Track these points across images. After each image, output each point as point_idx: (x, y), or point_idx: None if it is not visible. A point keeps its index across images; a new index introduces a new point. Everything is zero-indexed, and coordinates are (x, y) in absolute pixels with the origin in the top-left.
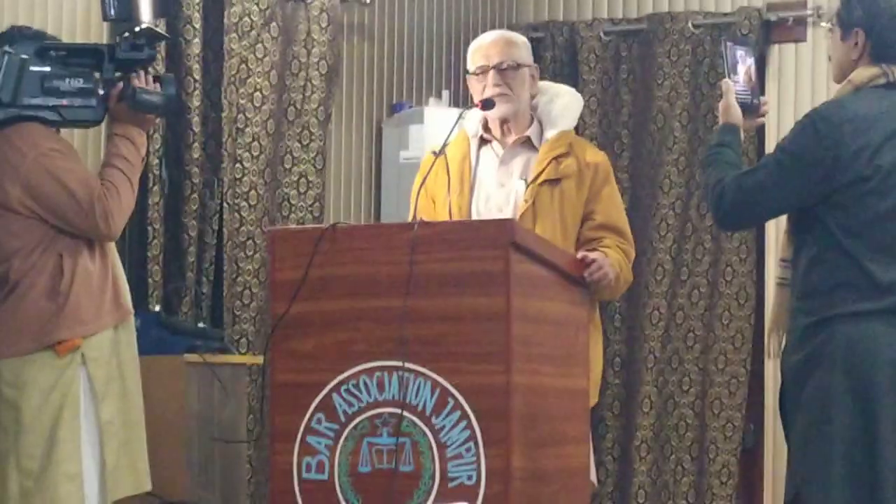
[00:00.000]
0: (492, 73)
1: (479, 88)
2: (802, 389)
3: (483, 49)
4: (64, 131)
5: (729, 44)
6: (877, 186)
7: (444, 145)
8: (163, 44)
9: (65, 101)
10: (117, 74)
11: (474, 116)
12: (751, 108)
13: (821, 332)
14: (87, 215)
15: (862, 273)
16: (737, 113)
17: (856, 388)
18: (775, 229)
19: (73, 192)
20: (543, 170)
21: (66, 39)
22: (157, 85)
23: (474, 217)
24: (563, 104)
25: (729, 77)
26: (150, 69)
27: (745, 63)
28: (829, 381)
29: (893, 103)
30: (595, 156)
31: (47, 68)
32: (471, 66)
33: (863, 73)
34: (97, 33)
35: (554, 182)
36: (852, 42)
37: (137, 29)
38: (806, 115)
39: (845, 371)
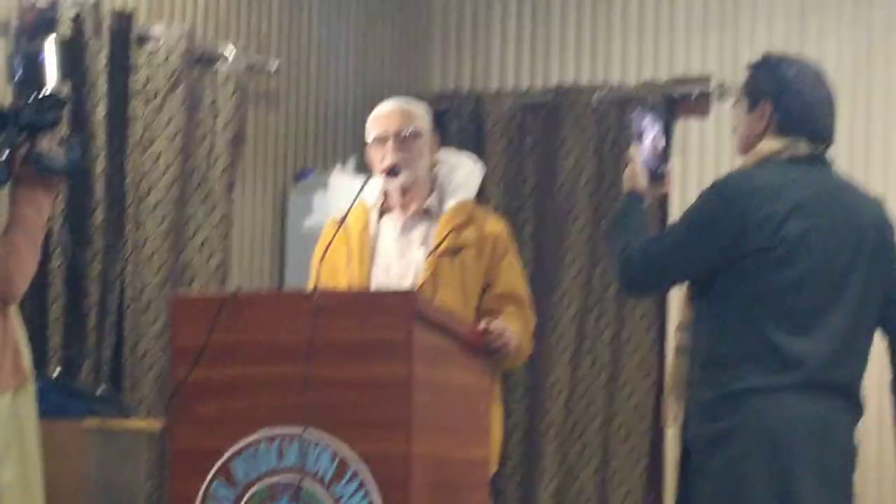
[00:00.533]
0: (390, 141)
1: (378, 157)
2: (710, 461)
3: (381, 118)
4: None
5: (637, 112)
6: (782, 256)
7: (346, 214)
8: (68, 107)
9: None
10: (22, 137)
11: (373, 187)
12: (656, 176)
13: (730, 406)
14: None
15: (769, 345)
16: (642, 180)
17: (771, 464)
18: (677, 300)
19: None
20: (443, 240)
21: None
22: (62, 149)
23: (374, 287)
24: (464, 174)
25: (635, 144)
26: (55, 133)
27: (651, 131)
28: (740, 456)
29: (799, 176)
30: (495, 225)
31: None
32: (369, 136)
33: (768, 144)
34: (1, 96)
35: (454, 252)
36: (759, 114)
37: (43, 93)
38: (712, 184)
39: (759, 445)
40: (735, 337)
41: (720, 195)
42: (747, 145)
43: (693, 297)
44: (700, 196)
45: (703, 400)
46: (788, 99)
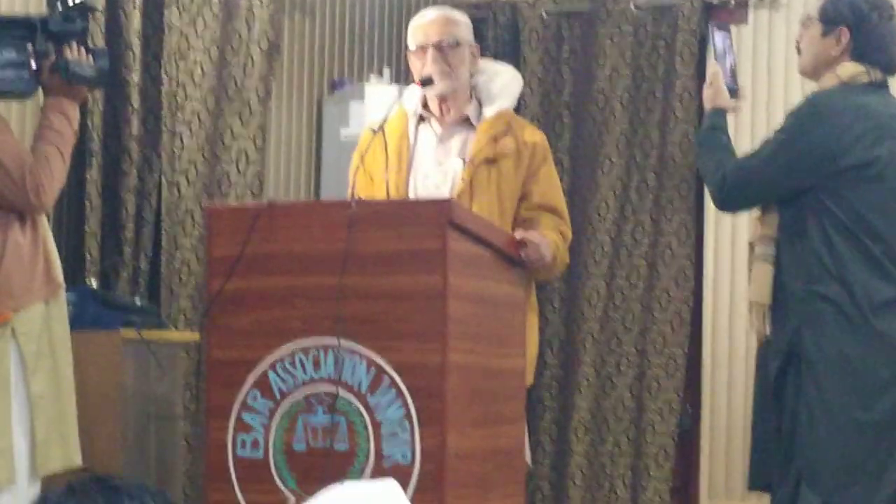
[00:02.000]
0: (431, 50)
1: (418, 66)
2: (838, 365)
3: (423, 27)
4: None
5: (715, 29)
6: (876, 174)
7: (383, 122)
8: (102, 18)
9: None
10: (50, 46)
11: (414, 94)
12: (733, 93)
13: (860, 317)
14: (19, 188)
15: (874, 260)
16: (726, 97)
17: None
18: (714, 211)
19: (4, 165)
20: (481, 149)
21: None
22: (90, 58)
23: (411, 195)
24: (503, 83)
25: (717, 62)
26: (84, 42)
27: (729, 49)
28: (872, 362)
29: (878, 101)
30: (533, 135)
31: None
32: (410, 44)
33: (849, 69)
34: (32, 4)
35: (491, 161)
36: (834, 39)
37: (70, 1)
38: (806, 101)
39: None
40: (841, 251)
41: (813, 113)
42: (814, 67)
43: (781, 214)
44: (791, 114)
45: (822, 313)
46: (867, 30)
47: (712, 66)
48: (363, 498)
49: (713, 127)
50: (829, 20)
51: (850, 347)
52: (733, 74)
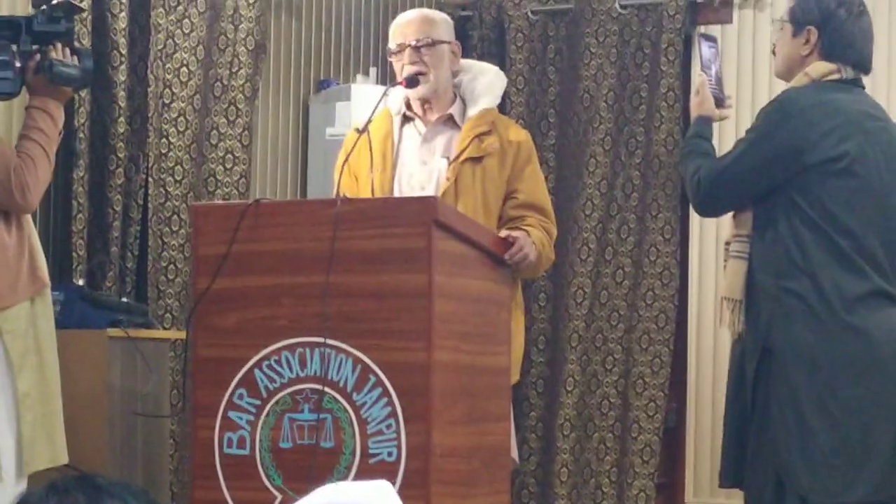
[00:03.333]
0: (408, 50)
1: (398, 67)
2: (808, 363)
3: (401, 27)
4: None
5: (701, 39)
6: (843, 168)
7: (368, 122)
8: (89, 18)
9: None
10: (34, 47)
11: (398, 94)
12: (719, 102)
13: (830, 312)
14: (3, 187)
15: (842, 254)
16: (711, 106)
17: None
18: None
19: None
20: (465, 148)
21: None
22: (75, 58)
23: (396, 195)
24: (487, 82)
25: (703, 72)
26: (69, 42)
27: (716, 58)
28: (844, 360)
29: (848, 97)
30: (518, 134)
31: None
32: (391, 44)
33: (820, 67)
34: (16, 5)
35: (476, 160)
36: (803, 39)
37: (55, 1)
38: (773, 100)
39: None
40: (810, 247)
41: (781, 111)
42: (787, 67)
43: (754, 212)
44: (761, 113)
45: (791, 308)
46: (833, 27)
47: (699, 76)
48: (355, 498)
49: (697, 135)
50: (797, 21)
51: (818, 343)
52: (719, 84)
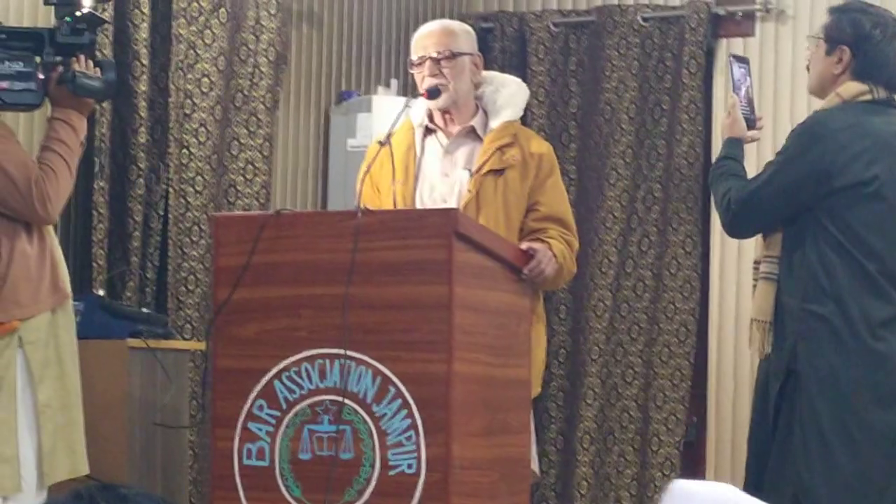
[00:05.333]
0: (428, 62)
1: (419, 78)
2: (832, 385)
3: (421, 39)
4: (5, 115)
5: (733, 60)
6: (873, 192)
7: (390, 134)
8: (111, 29)
9: (4, 85)
10: (58, 58)
11: (420, 106)
12: (750, 124)
13: (854, 335)
14: (25, 198)
15: (870, 277)
16: (742, 127)
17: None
18: (718, 222)
19: (10, 175)
20: (487, 160)
21: (7, 23)
22: (98, 70)
23: (418, 207)
24: (509, 94)
25: (734, 93)
26: (91, 54)
27: (746, 80)
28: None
29: (880, 119)
30: (540, 146)
31: None
32: (412, 56)
33: (851, 88)
34: (39, 16)
35: (498, 172)
36: (836, 58)
37: (79, 13)
38: (803, 122)
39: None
40: (836, 270)
41: (810, 133)
42: (820, 85)
43: (784, 233)
44: (791, 135)
45: (816, 331)
46: (867, 48)
47: (730, 97)
48: (705, 499)
49: (727, 156)
50: (831, 39)
51: (842, 367)
52: (750, 105)
